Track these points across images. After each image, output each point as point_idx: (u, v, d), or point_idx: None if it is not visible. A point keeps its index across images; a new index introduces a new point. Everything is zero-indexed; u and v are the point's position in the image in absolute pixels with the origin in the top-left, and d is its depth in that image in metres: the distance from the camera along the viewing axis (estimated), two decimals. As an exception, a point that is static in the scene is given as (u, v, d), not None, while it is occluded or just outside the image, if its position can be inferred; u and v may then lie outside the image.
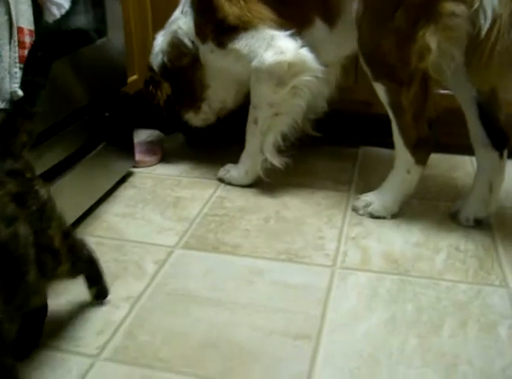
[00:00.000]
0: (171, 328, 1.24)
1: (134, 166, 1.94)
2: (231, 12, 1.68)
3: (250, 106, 1.78)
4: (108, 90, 1.73)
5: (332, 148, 2.11)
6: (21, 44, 1.20)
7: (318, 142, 2.06)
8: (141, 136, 2.18)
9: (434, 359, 1.15)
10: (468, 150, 1.66)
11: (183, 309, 1.30)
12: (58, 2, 1.28)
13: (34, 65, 1.09)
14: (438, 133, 1.63)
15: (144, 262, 1.46)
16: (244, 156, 1.85)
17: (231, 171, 1.87)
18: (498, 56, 1.38)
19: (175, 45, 1.86)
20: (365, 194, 1.72)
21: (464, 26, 1.40)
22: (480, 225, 1.62)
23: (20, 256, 0.98)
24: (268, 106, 1.74)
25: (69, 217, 1.54)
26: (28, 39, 1.22)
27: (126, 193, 1.82)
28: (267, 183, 1.83)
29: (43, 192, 1.09)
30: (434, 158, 1.76)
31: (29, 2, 1.21)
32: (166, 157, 2.06)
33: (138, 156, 1.97)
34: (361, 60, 1.60)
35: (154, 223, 1.64)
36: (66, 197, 1.51)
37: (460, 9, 1.39)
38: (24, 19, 1.20)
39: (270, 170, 1.81)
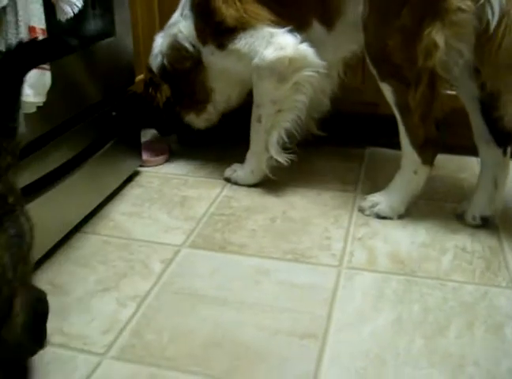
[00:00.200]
0: (177, 326, 1.24)
1: (141, 166, 1.95)
2: (229, 14, 1.69)
3: (253, 105, 1.78)
4: (116, 89, 1.73)
5: (338, 148, 2.11)
6: None
7: (325, 142, 2.06)
8: (148, 135, 2.18)
9: (440, 360, 1.15)
10: (475, 151, 1.66)
11: (190, 308, 1.30)
12: (70, 0, 1.28)
13: (7, 77, 0.99)
14: (446, 134, 1.63)
15: (150, 261, 1.46)
16: (249, 155, 1.86)
17: (238, 171, 1.88)
18: (505, 52, 1.38)
19: (176, 48, 1.86)
20: (372, 195, 1.72)
21: (471, 21, 1.40)
22: (486, 223, 1.62)
23: None
24: (271, 104, 1.74)
25: (76, 216, 1.56)
26: (40, 38, 1.22)
27: (132, 192, 1.82)
28: (273, 183, 1.83)
29: (23, 220, 1.00)
30: (441, 159, 1.76)
31: (41, 1, 1.21)
32: (172, 156, 2.06)
33: (145, 156, 1.98)
34: (368, 60, 1.60)
35: (161, 222, 1.64)
36: (73, 196, 1.52)
37: (466, 4, 1.39)
38: (36, 18, 1.20)
39: (277, 170, 1.81)
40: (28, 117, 1.23)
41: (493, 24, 1.37)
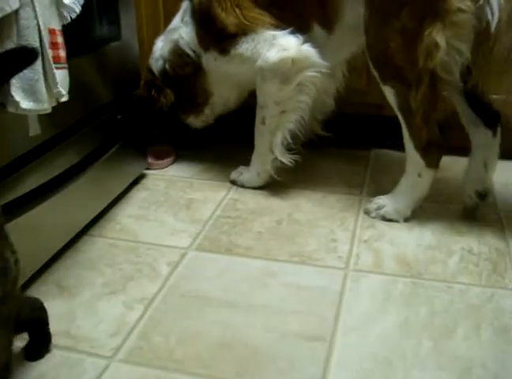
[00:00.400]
0: (185, 329, 1.24)
1: (147, 169, 1.95)
2: (229, 22, 1.69)
3: (257, 107, 1.79)
4: (122, 92, 1.74)
5: (344, 150, 2.12)
6: (54, 45, 1.22)
7: (331, 145, 2.06)
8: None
9: (448, 362, 1.15)
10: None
11: (197, 310, 1.30)
12: (68, 6, 1.29)
13: None
14: (451, 136, 1.63)
15: (157, 264, 1.47)
16: (255, 158, 1.86)
17: (244, 173, 1.88)
18: (499, 53, 1.41)
19: (177, 54, 1.87)
20: (377, 197, 1.72)
21: (470, 22, 1.41)
22: (484, 199, 1.66)
23: None
24: (274, 105, 1.74)
25: (83, 219, 1.57)
26: (60, 40, 1.24)
27: (139, 194, 1.83)
28: (279, 186, 1.83)
29: (8, 254, 0.98)
30: (447, 161, 1.74)
31: (55, 4, 1.22)
32: (178, 159, 2.06)
33: (151, 158, 1.98)
34: (369, 63, 1.61)
35: (167, 225, 1.65)
36: (80, 199, 1.53)
37: (466, 4, 1.39)
38: (54, 20, 1.22)
39: (282, 173, 1.81)
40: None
41: (493, 24, 1.38)
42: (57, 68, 1.22)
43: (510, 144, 1.73)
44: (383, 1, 1.51)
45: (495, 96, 1.62)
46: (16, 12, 1.12)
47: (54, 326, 1.23)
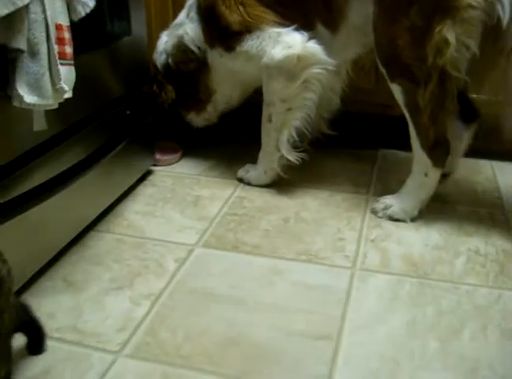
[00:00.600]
0: (191, 325, 1.25)
1: (154, 165, 1.95)
2: (233, 20, 1.69)
3: (264, 105, 1.79)
4: (130, 88, 1.74)
5: (351, 150, 2.11)
6: (61, 41, 1.21)
7: (338, 144, 2.06)
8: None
9: (454, 363, 1.15)
10: (488, 154, 1.66)
11: (204, 307, 1.30)
12: (82, 1, 1.29)
13: None
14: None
15: (164, 260, 1.47)
16: (261, 156, 1.86)
17: (251, 171, 1.88)
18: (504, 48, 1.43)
19: (181, 49, 1.86)
20: (384, 197, 1.71)
21: (481, 18, 1.41)
22: (444, 179, 1.74)
23: None
24: (281, 102, 1.74)
25: (90, 214, 1.57)
26: (67, 36, 1.23)
27: (146, 191, 1.83)
28: (286, 184, 1.83)
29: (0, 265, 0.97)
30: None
31: (64, 0, 1.22)
32: (185, 156, 2.06)
33: (158, 155, 1.98)
34: (378, 61, 1.60)
35: (174, 222, 1.65)
36: (87, 195, 1.53)
37: (476, 0, 1.39)
38: (62, 15, 1.21)
39: (289, 172, 1.81)
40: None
41: (505, 20, 1.38)
42: (62, 64, 1.21)
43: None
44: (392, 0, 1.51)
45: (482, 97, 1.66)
46: (26, 6, 1.12)
47: (60, 321, 1.24)
